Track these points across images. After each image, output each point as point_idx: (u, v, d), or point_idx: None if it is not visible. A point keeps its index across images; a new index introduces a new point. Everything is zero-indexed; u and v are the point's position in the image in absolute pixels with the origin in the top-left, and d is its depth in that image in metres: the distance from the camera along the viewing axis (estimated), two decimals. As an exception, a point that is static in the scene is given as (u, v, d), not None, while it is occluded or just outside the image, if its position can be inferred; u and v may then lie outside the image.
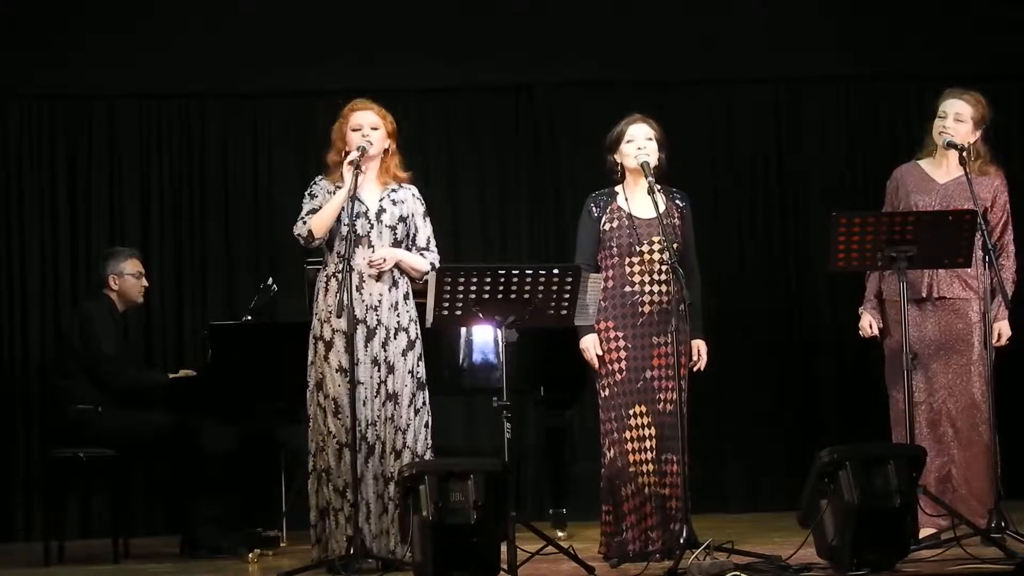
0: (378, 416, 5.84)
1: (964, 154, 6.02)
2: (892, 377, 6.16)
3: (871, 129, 8.66)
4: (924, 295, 6.14)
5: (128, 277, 7.15)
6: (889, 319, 6.22)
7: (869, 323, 6.27)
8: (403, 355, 5.91)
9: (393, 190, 6.00)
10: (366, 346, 5.85)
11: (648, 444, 5.83)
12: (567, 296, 5.54)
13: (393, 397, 5.87)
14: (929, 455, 5.94)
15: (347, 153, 5.92)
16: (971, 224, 5.74)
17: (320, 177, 6.02)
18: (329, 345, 5.86)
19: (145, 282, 7.27)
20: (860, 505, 5.14)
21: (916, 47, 8.56)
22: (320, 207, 5.91)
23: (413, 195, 6.05)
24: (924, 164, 6.30)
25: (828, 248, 5.74)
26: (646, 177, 5.82)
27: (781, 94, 8.75)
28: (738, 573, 5.19)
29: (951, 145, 6.09)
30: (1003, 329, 6.14)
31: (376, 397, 5.84)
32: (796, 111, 8.75)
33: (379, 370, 5.86)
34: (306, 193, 5.99)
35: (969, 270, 6.07)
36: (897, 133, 8.61)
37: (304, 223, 5.90)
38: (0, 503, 8.21)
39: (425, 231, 6.03)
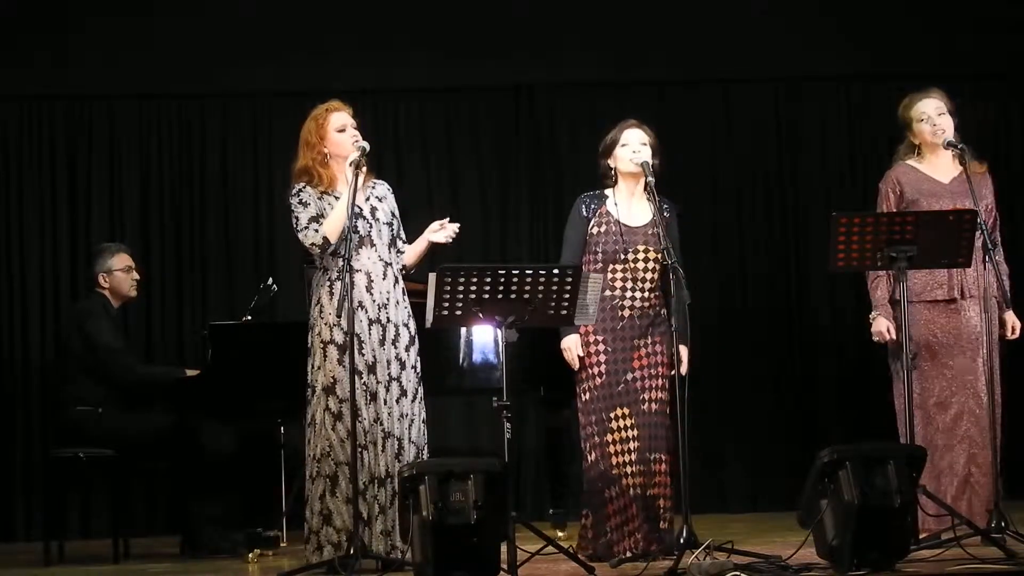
0: (390, 413, 5.82)
1: (962, 152, 6.03)
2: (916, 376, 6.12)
3: (871, 129, 8.66)
4: (958, 294, 6.12)
5: (117, 273, 7.13)
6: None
7: (887, 327, 6.16)
8: (407, 351, 5.92)
9: (372, 187, 5.99)
10: (382, 345, 5.84)
11: (631, 446, 5.85)
12: (567, 296, 5.53)
13: (405, 393, 5.87)
14: (952, 456, 5.97)
15: (328, 155, 5.89)
16: (971, 224, 5.73)
17: (303, 184, 5.90)
18: (344, 348, 5.76)
19: (136, 275, 7.22)
20: (860, 505, 5.14)
21: (916, 47, 8.56)
22: (318, 213, 5.86)
23: (388, 189, 6.06)
24: (919, 166, 6.28)
25: (828, 248, 5.73)
26: (646, 177, 5.83)
27: (781, 94, 8.75)
28: (738, 573, 5.19)
29: (951, 145, 6.09)
30: (1015, 322, 6.13)
31: (388, 394, 5.83)
32: (796, 111, 8.75)
33: (389, 367, 5.86)
34: (295, 203, 5.87)
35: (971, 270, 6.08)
36: (897, 133, 8.60)
37: (316, 231, 5.81)
38: (0, 503, 8.21)
39: (401, 224, 6.06)
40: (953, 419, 6.11)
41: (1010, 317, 6.15)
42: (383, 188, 6.04)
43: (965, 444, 6.09)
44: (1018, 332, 6.16)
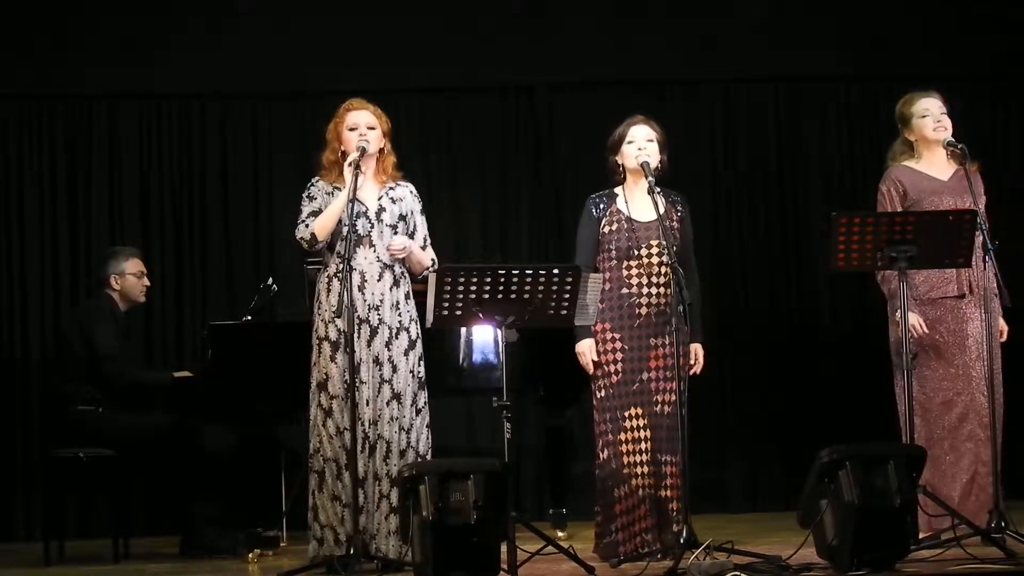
0: (379, 416, 5.84)
1: (962, 151, 6.04)
2: (919, 374, 6.13)
3: (871, 129, 8.66)
4: (967, 290, 6.12)
5: (129, 277, 7.15)
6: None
7: (918, 321, 6.11)
8: (405, 355, 5.92)
9: (391, 188, 6.02)
10: (368, 345, 5.86)
11: (643, 446, 5.84)
12: (567, 296, 5.54)
13: (397, 397, 5.88)
14: (957, 455, 5.97)
15: (344, 153, 5.94)
16: (971, 224, 5.74)
17: (316, 178, 6.02)
18: (335, 346, 5.85)
19: (147, 281, 7.26)
20: (860, 505, 5.14)
21: (916, 47, 8.56)
22: (319, 209, 5.92)
23: (411, 192, 6.08)
24: (917, 166, 6.29)
25: (828, 248, 5.74)
26: (646, 177, 5.82)
27: (781, 94, 8.75)
28: (738, 573, 5.19)
29: (951, 144, 6.10)
30: (1002, 325, 6.14)
31: (379, 396, 5.85)
32: (796, 111, 8.75)
33: (381, 369, 5.87)
34: (304, 195, 6.00)
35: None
36: (897, 133, 8.60)
37: (307, 226, 5.90)
38: (0, 503, 8.21)
39: (422, 229, 6.06)
40: (958, 418, 6.11)
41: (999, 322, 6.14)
42: (403, 190, 6.06)
43: (971, 443, 6.09)
44: (1004, 337, 6.15)
